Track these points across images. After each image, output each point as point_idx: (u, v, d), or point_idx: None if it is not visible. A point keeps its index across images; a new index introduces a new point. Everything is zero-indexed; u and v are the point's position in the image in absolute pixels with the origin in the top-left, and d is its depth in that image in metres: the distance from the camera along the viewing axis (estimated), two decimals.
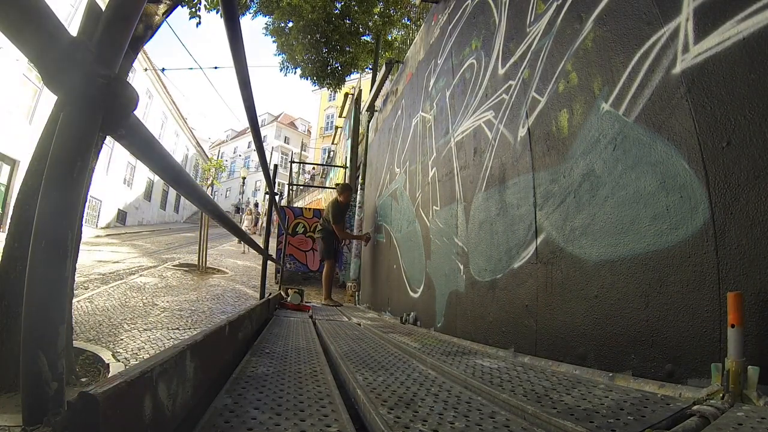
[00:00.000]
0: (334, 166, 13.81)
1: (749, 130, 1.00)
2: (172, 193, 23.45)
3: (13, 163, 10.23)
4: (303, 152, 27.71)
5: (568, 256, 1.57)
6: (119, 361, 2.70)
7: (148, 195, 20.32)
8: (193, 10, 4.51)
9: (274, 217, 4.74)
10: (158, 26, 2.90)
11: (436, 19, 3.40)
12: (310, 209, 8.19)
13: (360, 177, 6.27)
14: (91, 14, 0.57)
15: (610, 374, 1.16)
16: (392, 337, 2.11)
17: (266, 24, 9.19)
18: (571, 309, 1.53)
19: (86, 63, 0.50)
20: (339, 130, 14.34)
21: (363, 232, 5.61)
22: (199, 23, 4.64)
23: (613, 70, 1.42)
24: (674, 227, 1.17)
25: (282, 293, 4.23)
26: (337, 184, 5.61)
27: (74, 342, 2.74)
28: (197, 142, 27.57)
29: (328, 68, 9.41)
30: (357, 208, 6.06)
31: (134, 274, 6.43)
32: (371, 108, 6.21)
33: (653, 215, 1.23)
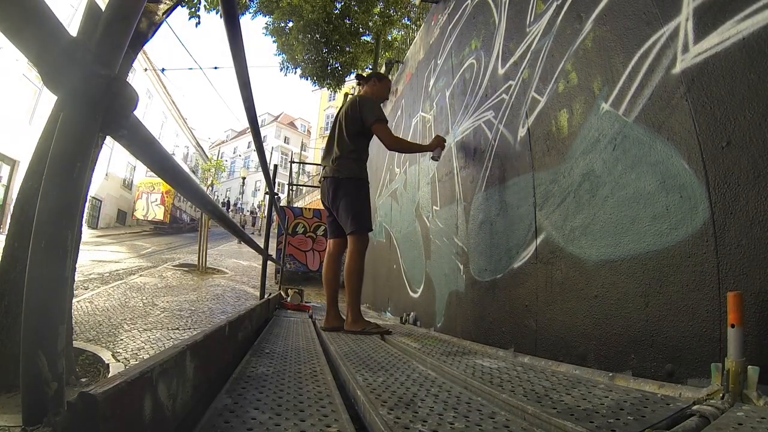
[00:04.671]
0: None
1: (749, 130, 1.00)
2: None
3: (13, 163, 10.23)
4: (303, 152, 27.68)
5: (568, 256, 1.57)
6: (119, 361, 2.70)
7: None
8: (193, 10, 4.51)
9: (274, 216, 4.73)
10: (158, 26, 2.90)
11: (436, 19, 3.40)
12: (310, 209, 8.20)
13: None
14: (91, 14, 0.57)
15: (610, 374, 1.15)
16: (392, 337, 2.11)
17: (266, 24, 9.21)
18: (571, 309, 1.53)
19: (86, 63, 0.50)
20: None
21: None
22: (198, 23, 4.64)
23: (613, 70, 1.42)
24: (674, 227, 1.17)
25: (282, 293, 4.23)
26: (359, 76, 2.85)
27: (74, 342, 2.74)
28: (197, 142, 27.58)
29: (328, 68, 9.42)
30: None
31: (134, 274, 6.44)
32: None
33: (653, 215, 1.23)
